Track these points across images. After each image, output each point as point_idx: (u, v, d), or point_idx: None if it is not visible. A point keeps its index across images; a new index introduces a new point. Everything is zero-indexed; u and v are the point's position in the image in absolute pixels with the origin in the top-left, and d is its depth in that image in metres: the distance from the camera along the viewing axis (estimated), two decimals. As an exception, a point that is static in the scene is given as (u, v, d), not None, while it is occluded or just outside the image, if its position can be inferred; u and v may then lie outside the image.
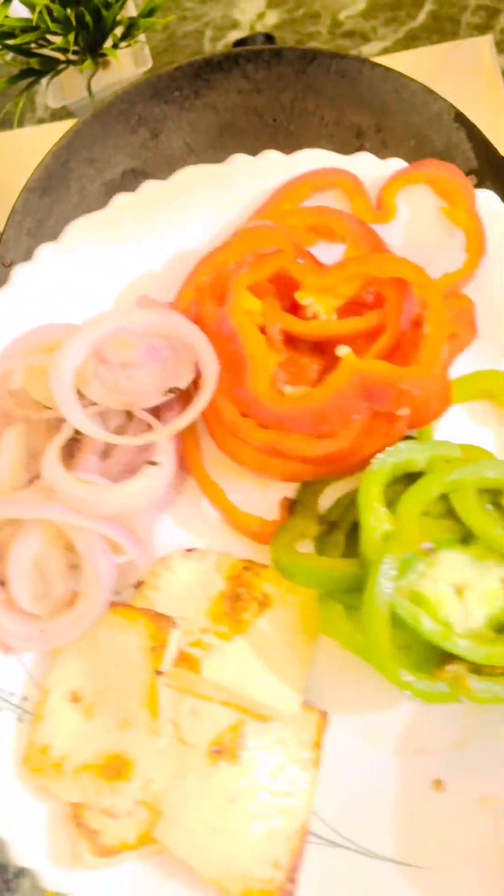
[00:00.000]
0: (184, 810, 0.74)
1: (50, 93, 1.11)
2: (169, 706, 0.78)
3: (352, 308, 0.85)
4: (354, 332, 0.82)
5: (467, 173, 0.95)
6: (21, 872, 1.01)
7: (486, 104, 1.06)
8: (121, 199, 0.91)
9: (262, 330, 0.84)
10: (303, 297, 0.84)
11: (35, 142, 1.07)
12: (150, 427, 0.83)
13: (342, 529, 0.83)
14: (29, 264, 0.89)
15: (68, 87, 1.12)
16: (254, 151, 0.90)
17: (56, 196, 1.00)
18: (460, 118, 0.96)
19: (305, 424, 0.79)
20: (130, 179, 0.98)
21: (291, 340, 0.86)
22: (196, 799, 0.75)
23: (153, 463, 0.80)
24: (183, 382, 0.83)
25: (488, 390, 0.86)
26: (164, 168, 0.98)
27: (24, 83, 1.05)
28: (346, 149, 0.95)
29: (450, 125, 0.96)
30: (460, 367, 0.87)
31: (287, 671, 0.79)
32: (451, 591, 0.76)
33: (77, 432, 0.82)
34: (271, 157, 0.90)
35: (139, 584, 0.83)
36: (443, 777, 0.78)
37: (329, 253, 0.87)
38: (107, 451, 0.84)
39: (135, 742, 0.76)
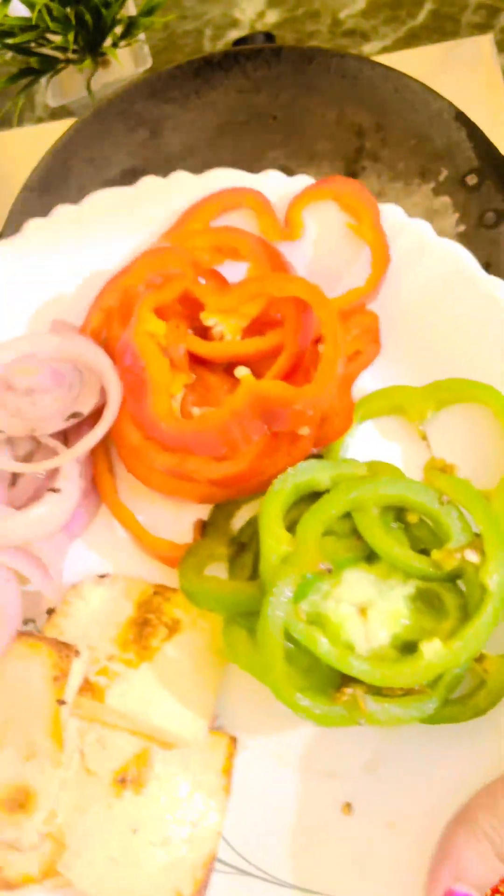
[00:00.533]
0: (87, 842, 0.73)
1: (49, 92, 1.11)
2: (76, 736, 0.77)
3: (261, 328, 0.84)
4: (257, 353, 0.82)
5: (468, 172, 0.95)
6: None
7: (486, 103, 1.06)
8: (33, 224, 0.91)
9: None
10: (207, 318, 0.83)
11: (34, 141, 1.06)
12: (57, 453, 0.82)
13: (251, 551, 0.82)
14: None
15: (68, 86, 1.11)
16: (254, 151, 0.90)
17: (55, 195, 0.99)
18: (461, 117, 0.96)
19: (205, 446, 0.78)
20: (130, 178, 0.96)
21: (204, 362, 0.85)
22: (99, 830, 0.74)
23: (54, 490, 0.79)
24: (86, 408, 0.82)
25: (397, 405, 0.85)
26: (163, 167, 0.97)
27: (23, 82, 1.04)
28: (346, 147, 0.95)
29: (450, 124, 0.96)
30: (371, 383, 0.86)
31: (194, 697, 0.78)
32: (354, 612, 0.75)
33: (-19, 461, 0.81)
34: (180, 177, 0.90)
35: (51, 612, 0.83)
36: (352, 800, 0.76)
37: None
38: (13, 480, 0.83)
39: (39, 774, 0.75)
